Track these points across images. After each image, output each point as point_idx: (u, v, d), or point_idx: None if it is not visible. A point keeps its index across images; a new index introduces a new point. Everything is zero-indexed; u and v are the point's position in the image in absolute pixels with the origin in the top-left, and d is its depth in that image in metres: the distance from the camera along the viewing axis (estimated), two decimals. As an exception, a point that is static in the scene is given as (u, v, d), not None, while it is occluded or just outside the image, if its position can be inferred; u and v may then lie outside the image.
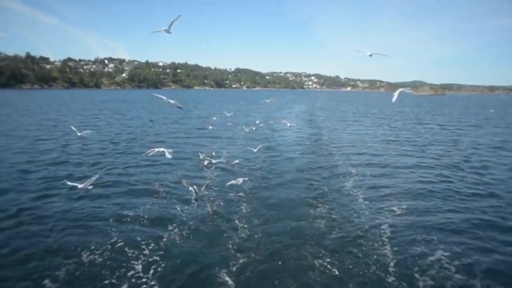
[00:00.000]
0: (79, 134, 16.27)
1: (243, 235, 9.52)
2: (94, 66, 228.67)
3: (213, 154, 18.59)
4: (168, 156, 9.71)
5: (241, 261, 8.18)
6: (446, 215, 11.12)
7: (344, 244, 8.99)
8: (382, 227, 10.03)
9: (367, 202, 12.10)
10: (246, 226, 10.12)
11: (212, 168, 16.22)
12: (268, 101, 35.56)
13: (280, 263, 8.12)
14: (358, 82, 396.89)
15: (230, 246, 8.80)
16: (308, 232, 9.72)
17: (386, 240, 9.26)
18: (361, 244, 8.94)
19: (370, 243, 9.01)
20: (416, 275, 7.61)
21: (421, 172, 16.50)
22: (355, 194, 12.92)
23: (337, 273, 7.72)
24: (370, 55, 10.53)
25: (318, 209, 11.48)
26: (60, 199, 12.16)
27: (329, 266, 7.94)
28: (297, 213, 11.17)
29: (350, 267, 7.94)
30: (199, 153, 17.81)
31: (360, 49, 11.30)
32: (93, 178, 9.36)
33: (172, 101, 10.05)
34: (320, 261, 8.18)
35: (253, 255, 8.37)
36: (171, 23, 9.53)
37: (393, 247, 8.84)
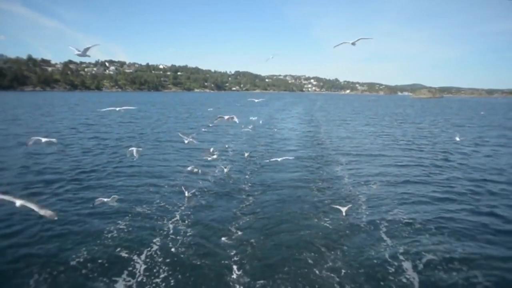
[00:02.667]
0: (117, 109, 17.72)
1: (247, 203, 11.94)
2: (95, 69, 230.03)
3: (226, 146, 21.25)
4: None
5: (242, 223, 10.19)
6: (412, 187, 14.28)
7: (331, 209, 11.30)
8: (361, 197, 12.74)
9: (351, 180, 15.07)
10: (250, 199, 12.46)
11: (221, 159, 18.32)
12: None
13: (279, 230, 9.82)
14: (357, 85, 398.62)
15: (235, 220, 10.49)
16: (303, 200, 12.48)
17: (364, 204, 11.94)
18: (345, 209, 11.02)
19: (353, 209, 11.31)
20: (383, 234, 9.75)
21: (400, 159, 20.07)
22: (343, 175, 15.72)
23: (329, 228, 9.98)
24: (353, 44, 10.53)
25: (313, 186, 14.15)
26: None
27: (319, 228, 10.00)
28: (293, 190, 13.58)
29: (340, 223, 10.28)
30: (210, 147, 19.54)
31: (341, 42, 10.85)
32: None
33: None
34: (314, 222, 10.43)
35: (254, 225, 10.12)
36: (88, 48, 9.68)
37: (368, 210, 11.42)
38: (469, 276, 7.70)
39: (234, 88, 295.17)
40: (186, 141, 15.72)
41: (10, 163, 16.84)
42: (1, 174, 15.07)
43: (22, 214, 10.31)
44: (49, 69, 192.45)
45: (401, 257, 8.34)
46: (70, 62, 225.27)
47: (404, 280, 7.50)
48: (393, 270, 7.84)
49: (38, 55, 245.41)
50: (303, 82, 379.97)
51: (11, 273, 7.55)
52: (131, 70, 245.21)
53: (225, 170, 15.48)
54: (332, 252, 8.55)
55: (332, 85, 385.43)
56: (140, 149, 13.09)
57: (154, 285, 7.24)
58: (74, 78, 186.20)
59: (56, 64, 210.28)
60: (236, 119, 11.69)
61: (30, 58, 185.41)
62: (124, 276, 7.50)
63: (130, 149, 12.67)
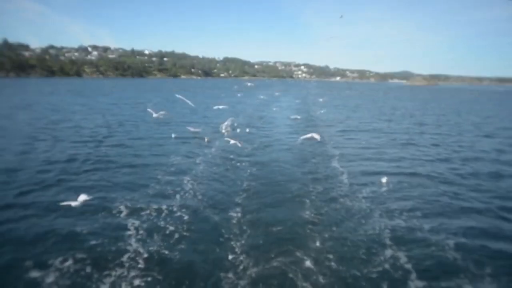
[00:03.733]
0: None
1: (247, 192, 12.08)
2: (76, 54, 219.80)
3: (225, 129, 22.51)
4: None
5: (242, 209, 10.55)
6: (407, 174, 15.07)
7: (325, 197, 11.88)
8: (354, 186, 13.05)
9: (344, 166, 15.77)
10: (251, 185, 12.83)
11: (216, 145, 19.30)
12: None
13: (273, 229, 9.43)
14: (347, 72, 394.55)
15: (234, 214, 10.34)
16: (298, 190, 12.63)
17: (361, 196, 12.07)
18: (340, 200, 11.62)
19: (348, 200, 11.57)
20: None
21: (392, 146, 21.20)
22: (337, 166, 15.92)
23: (326, 209, 10.73)
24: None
25: (306, 176, 14.31)
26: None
27: (316, 220, 10.00)
28: (286, 177, 14.12)
29: (337, 206, 11.13)
30: (205, 136, 20.53)
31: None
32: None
33: None
34: (307, 214, 10.42)
35: (249, 221, 9.85)
36: None
37: (365, 203, 11.39)
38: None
39: (222, 75, 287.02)
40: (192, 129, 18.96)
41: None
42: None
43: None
44: (27, 54, 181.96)
45: (387, 235, 9.15)
46: (51, 47, 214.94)
47: (391, 257, 8.09)
48: (382, 249, 8.46)
49: (24, 41, 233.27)
50: (293, 69, 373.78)
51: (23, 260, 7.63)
52: (114, 56, 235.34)
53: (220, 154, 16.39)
54: (328, 230, 9.37)
55: (323, 72, 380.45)
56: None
57: (169, 249, 8.15)
58: (52, 64, 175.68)
59: (35, 49, 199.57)
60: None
61: (5, 43, 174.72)
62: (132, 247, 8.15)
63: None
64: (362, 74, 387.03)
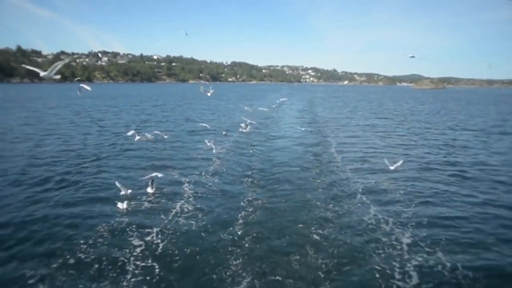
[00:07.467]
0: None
1: (248, 192, 12.12)
2: (87, 60, 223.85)
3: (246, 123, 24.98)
4: None
5: (245, 217, 10.15)
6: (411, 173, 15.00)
7: (322, 176, 14.06)
8: (354, 177, 13.88)
9: (343, 159, 17.08)
10: (252, 180, 13.44)
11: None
12: None
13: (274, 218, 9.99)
14: (355, 75, 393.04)
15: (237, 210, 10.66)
16: (299, 167, 15.30)
17: (348, 169, 14.80)
18: (339, 192, 12.18)
19: (345, 190, 12.39)
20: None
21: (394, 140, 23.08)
22: (339, 160, 16.92)
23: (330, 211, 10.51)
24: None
25: (310, 169, 15.19)
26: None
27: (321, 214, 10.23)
28: (291, 166, 15.57)
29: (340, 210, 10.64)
30: (224, 131, 23.40)
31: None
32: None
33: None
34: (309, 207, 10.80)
35: (254, 218, 10.00)
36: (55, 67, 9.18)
37: (360, 191, 12.22)
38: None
39: (230, 79, 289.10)
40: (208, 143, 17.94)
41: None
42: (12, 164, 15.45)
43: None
44: (39, 60, 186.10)
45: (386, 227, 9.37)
46: (62, 53, 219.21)
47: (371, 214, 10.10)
48: (385, 246, 8.34)
49: (33, 47, 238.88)
50: (301, 73, 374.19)
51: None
52: (124, 61, 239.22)
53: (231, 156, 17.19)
54: (324, 200, 11.21)
55: (330, 76, 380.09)
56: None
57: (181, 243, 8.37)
58: (65, 69, 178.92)
59: (47, 55, 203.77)
60: None
61: (19, 49, 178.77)
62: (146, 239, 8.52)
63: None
64: (370, 77, 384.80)
